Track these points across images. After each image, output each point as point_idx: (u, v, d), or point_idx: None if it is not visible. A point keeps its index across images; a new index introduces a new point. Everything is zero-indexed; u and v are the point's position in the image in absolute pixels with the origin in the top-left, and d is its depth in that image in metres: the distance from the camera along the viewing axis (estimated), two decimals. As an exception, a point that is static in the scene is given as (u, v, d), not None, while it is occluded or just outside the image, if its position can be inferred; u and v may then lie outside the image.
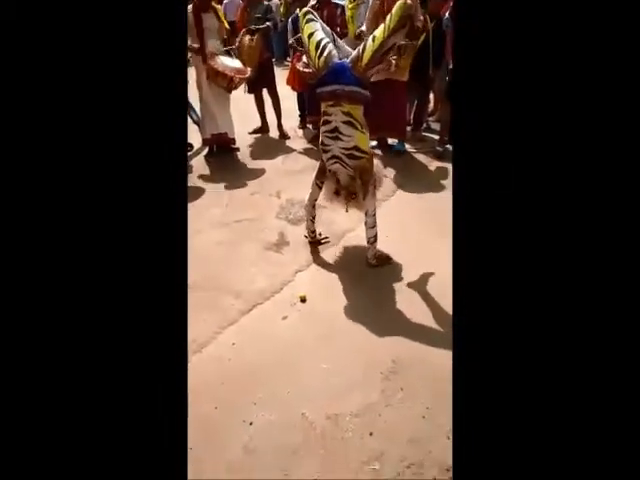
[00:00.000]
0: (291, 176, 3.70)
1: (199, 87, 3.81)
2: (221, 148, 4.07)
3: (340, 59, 2.13)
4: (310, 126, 4.61)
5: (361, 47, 2.06)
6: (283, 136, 4.56)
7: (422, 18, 3.59)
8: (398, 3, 2.01)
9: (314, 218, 2.58)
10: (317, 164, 3.91)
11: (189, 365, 1.82)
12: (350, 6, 4.17)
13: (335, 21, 3.98)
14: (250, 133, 4.63)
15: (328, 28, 2.37)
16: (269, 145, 4.42)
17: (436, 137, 4.27)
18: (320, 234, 2.69)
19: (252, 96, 4.44)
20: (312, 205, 2.52)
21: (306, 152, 4.24)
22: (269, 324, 2.04)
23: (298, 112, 4.79)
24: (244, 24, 4.11)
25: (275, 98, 4.45)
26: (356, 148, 2.16)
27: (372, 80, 2.20)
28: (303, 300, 2.17)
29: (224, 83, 3.64)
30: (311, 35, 2.18)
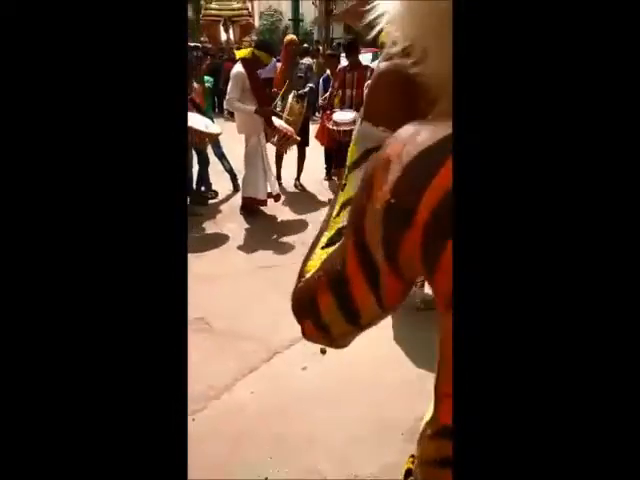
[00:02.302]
0: (317, 226, 3.75)
1: (252, 149, 3.70)
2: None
3: None
4: (335, 178, 4.74)
5: None
6: (301, 189, 4.70)
7: None
8: None
9: None
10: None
11: (206, 412, 1.79)
12: (379, 68, 4.42)
13: (363, 82, 4.20)
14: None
15: None
16: (294, 197, 4.54)
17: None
18: None
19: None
20: None
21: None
22: (289, 374, 2.01)
23: (325, 165, 4.96)
24: (283, 82, 4.23)
25: (304, 155, 4.62)
26: None
27: None
28: (323, 352, 2.15)
29: (286, 143, 3.71)
30: None
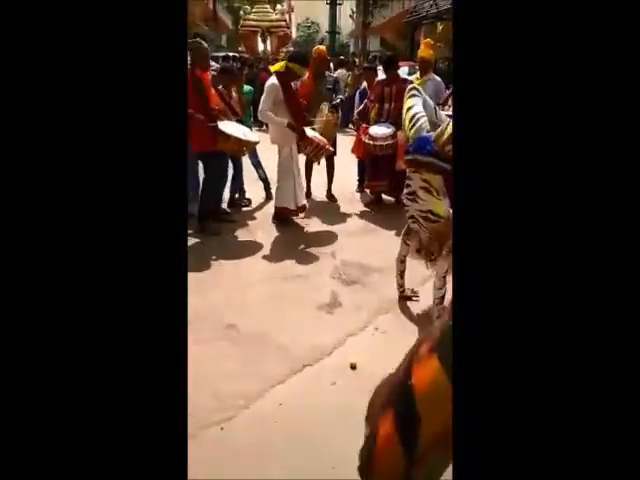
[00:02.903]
0: (347, 237, 3.76)
1: (284, 160, 3.75)
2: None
3: (428, 132, 2.31)
4: (368, 191, 4.73)
5: (445, 123, 2.21)
6: (332, 200, 4.67)
7: None
8: None
9: (402, 273, 2.72)
10: (372, 227, 4.02)
11: (235, 421, 1.79)
12: (417, 82, 4.40)
13: (402, 96, 4.17)
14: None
15: (432, 102, 2.59)
16: (324, 208, 4.54)
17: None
18: (413, 290, 2.78)
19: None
20: (401, 260, 2.69)
21: (362, 215, 4.32)
22: (317, 388, 1.99)
23: (357, 177, 4.95)
24: (310, 95, 4.20)
25: (333, 165, 4.61)
26: (430, 212, 2.32)
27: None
28: (353, 367, 2.12)
29: (318, 154, 3.74)
30: (409, 109, 2.44)
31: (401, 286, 2.74)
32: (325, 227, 4.00)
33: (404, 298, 2.74)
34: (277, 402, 1.90)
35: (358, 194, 4.88)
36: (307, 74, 4.27)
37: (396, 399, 0.57)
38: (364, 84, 4.90)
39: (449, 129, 2.17)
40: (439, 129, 2.26)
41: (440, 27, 11.31)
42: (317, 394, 1.95)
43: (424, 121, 2.35)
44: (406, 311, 2.66)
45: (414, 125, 2.35)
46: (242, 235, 3.75)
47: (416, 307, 2.69)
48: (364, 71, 5.23)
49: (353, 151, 4.60)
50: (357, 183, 4.98)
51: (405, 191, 2.44)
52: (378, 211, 4.41)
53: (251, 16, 13.74)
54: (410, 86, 2.67)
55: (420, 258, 2.56)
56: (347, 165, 4.96)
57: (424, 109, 2.41)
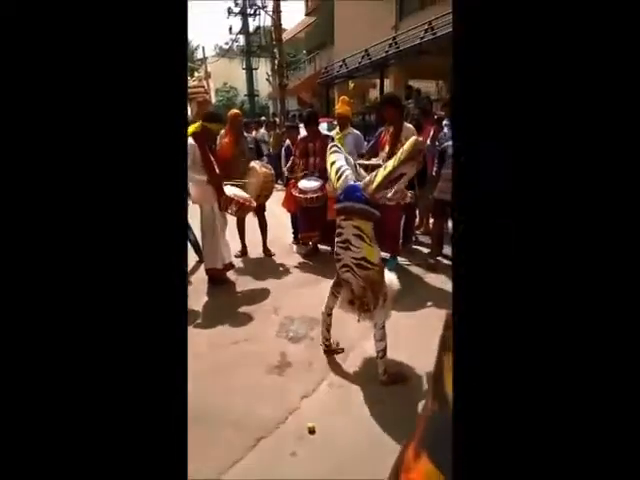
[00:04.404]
0: (288, 292, 3.69)
1: (207, 219, 3.69)
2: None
3: (354, 182, 2.40)
4: (301, 242, 4.76)
5: (374, 173, 2.33)
6: (269, 254, 4.67)
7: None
8: (411, 139, 2.31)
9: (329, 327, 2.64)
10: (313, 277, 4.00)
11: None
12: (337, 137, 4.62)
13: (325, 150, 4.34)
14: (236, 256, 4.54)
15: (351, 159, 2.70)
16: (261, 264, 4.47)
17: (424, 249, 4.43)
18: (337, 343, 2.71)
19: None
20: (327, 313, 2.62)
21: (301, 267, 4.30)
22: (277, 462, 1.84)
23: (292, 230, 4.98)
24: (232, 156, 4.26)
25: (264, 220, 4.65)
26: (364, 259, 2.33)
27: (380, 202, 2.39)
28: (312, 432, 2.00)
29: (242, 210, 3.73)
30: (333, 163, 2.54)
31: (327, 340, 2.66)
32: (264, 283, 3.91)
33: (330, 352, 2.65)
34: (234, 487, 1.72)
35: (295, 246, 4.90)
36: (226, 137, 4.36)
37: None
38: (287, 142, 5.06)
39: (377, 179, 2.28)
40: (367, 178, 2.38)
41: (352, 85, 12.21)
42: (277, 468, 1.80)
43: (349, 173, 2.45)
44: (359, 361, 2.60)
45: (340, 176, 2.43)
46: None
47: (369, 356, 2.65)
48: (287, 129, 5.43)
49: (284, 205, 4.66)
50: (292, 236, 5.01)
51: (337, 240, 2.44)
52: (316, 261, 4.42)
53: (168, 84, 13.93)
54: (331, 144, 2.78)
55: (352, 310, 2.49)
56: (280, 219, 4.97)
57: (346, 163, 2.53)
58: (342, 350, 2.69)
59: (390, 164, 2.28)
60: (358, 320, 2.47)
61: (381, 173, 2.28)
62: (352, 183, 2.39)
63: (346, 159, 2.58)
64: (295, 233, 4.98)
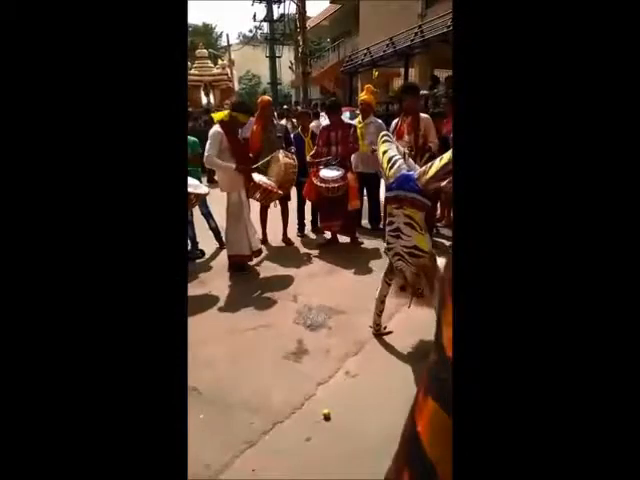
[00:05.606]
0: (307, 280, 3.70)
1: (233, 206, 3.70)
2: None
3: (407, 171, 2.41)
4: (323, 230, 4.76)
5: (430, 164, 2.34)
6: (289, 243, 4.67)
7: (436, 141, 3.91)
8: None
9: (381, 312, 2.72)
10: (331, 267, 4.00)
11: (203, 498, 1.61)
12: (360, 126, 4.57)
13: (347, 139, 4.30)
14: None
15: (401, 148, 2.72)
16: (281, 252, 4.49)
17: (445, 242, 4.38)
18: (385, 327, 2.77)
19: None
20: (381, 300, 2.70)
21: (320, 256, 4.30)
22: (291, 446, 1.85)
23: (311, 218, 4.99)
24: (261, 143, 4.23)
25: (287, 209, 4.64)
26: (416, 247, 2.38)
27: None
28: (327, 418, 2.01)
29: (268, 197, 3.73)
30: (385, 152, 2.58)
31: (378, 325, 2.74)
32: (284, 271, 3.93)
33: (380, 335, 2.74)
34: (249, 469, 1.74)
35: (314, 236, 4.90)
36: (255, 125, 4.35)
37: (408, 457, 0.57)
38: (298, 129, 5.02)
39: (432, 170, 2.28)
40: (422, 169, 2.39)
41: (375, 74, 12.05)
42: (292, 453, 1.81)
43: (401, 162, 2.47)
44: (375, 351, 2.60)
45: (393, 165, 2.47)
46: (196, 289, 3.58)
47: (385, 346, 2.64)
48: (299, 115, 5.36)
49: (305, 194, 4.64)
50: (311, 225, 5.01)
51: (388, 228, 2.48)
52: (335, 251, 4.42)
53: (193, 71, 14.00)
54: (382, 132, 2.83)
55: (404, 296, 2.57)
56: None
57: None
58: (391, 332, 2.76)
59: (446, 156, 2.27)
60: (409, 306, 2.51)
61: (436, 164, 2.29)
62: (406, 172, 2.40)
63: (397, 148, 2.60)
64: (314, 222, 4.97)
